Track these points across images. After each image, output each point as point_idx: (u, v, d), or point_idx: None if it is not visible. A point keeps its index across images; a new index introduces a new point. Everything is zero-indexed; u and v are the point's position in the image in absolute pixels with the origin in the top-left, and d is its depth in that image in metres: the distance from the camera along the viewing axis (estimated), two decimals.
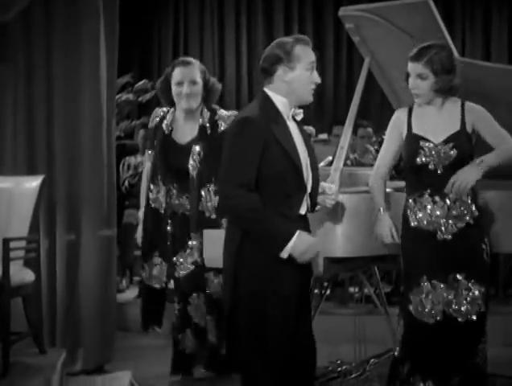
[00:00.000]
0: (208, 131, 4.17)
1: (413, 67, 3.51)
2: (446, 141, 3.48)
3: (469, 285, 3.41)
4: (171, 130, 4.23)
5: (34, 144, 4.99)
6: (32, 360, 4.55)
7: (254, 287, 3.13)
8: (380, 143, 7.19)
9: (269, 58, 3.26)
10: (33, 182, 4.70)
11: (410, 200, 3.54)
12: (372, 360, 4.76)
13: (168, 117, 4.25)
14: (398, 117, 3.67)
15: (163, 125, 4.23)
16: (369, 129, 7.26)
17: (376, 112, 9.12)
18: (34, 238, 4.70)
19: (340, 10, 4.85)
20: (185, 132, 4.20)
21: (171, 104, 4.26)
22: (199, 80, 4.19)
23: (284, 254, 3.10)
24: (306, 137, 3.34)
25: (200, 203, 4.22)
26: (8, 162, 5.02)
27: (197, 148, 4.13)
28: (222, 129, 4.16)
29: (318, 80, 3.30)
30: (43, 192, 4.73)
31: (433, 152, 3.47)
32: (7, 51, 5.00)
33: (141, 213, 4.42)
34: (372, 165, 6.70)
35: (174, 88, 4.17)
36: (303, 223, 3.25)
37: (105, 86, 4.92)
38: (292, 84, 3.22)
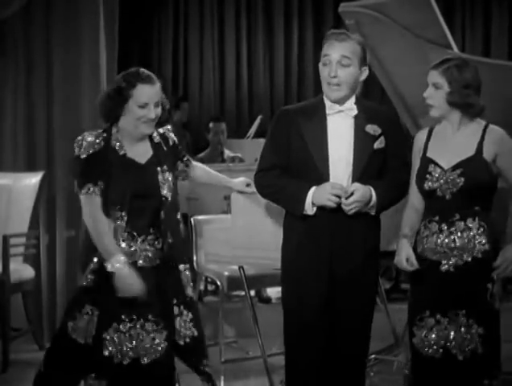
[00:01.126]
0: (164, 148, 3.40)
1: (430, 75, 3.26)
2: (455, 167, 3.23)
3: (469, 322, 3.22)
4: (125, 151, 3.32)
5: (33, 140, 5.00)
6: (32, 356, 4.56)
7: (284, 265, 3.39)
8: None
9: None
10: (33, 179, 4.71)
11: (421, 225, 3.33)
12: (372, 356, 4.76)
13: (115, 137, 3.28)
14: (418, 138, 3.39)
15: (115, 147, 3.27)
16: None
17: None
18: (34, 234, 4.71)
19: (340, 6, 4.85)
20: (139, 150, 3.33)
21: (111, 122, 3.31)
22: (160, 100, 3.36)
23: (308, 210, 3.23)
24: (361, 136, 3.27)
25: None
26: (8, 159, 5.03)
27: (164, 167, 3.35)
28: (173, 142, 3.46)
29: (330, 74, 3.24)
30: (43, 188, 4.74)
31: (440, 178, 3.24)
32: (7, 46, 5.00)
33: (122, 257, 3.21)
34: None
35: (136, 110, 3.23)
36: (321, 218, 3.25)
37: (104, 82, 4.91)
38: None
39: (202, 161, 6.92)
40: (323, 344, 3.34)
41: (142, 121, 3.24)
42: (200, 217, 5.29)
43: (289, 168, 3.32)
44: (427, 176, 3.27)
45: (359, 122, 3.29)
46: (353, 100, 3.32)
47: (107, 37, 4.93)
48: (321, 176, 3.23)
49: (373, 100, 9.04)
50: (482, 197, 3.26)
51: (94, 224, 3.19)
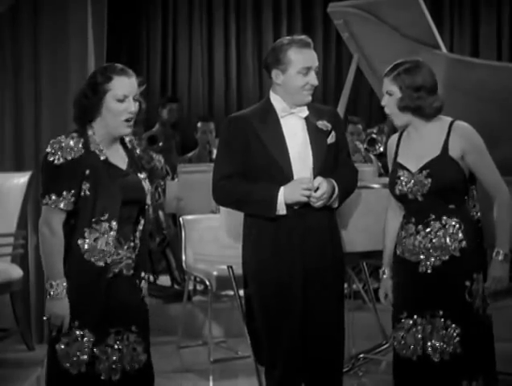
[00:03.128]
0: (135, 154, 3.19)
1: (384, 83, 3.26)
2: (422, 169, 3.20)
3: (447, 323, 3.19)
4: (106, 155, 3.05)
5: (21, 139, 4.98)
6: (20, 357, 4.55)
7: (254, 269, 3.44)
8: (369, 141, 7.20)
9: (265, 60, 3.43)
10: (21, 179, 4.70)
11: (400, 227, 3.32)
12: (360, 356, 4.77)
13: (93, 140, 3.02)
14: (390, 144, 3.41)
15: (96, 151, 3.00)
16: (359, 126, 7.27)
17: (365, 109, 9.13)
18: (21, 234, 4.69)
19: (328, 5, 4.86)
20: (116, 155, 3.09)
21: (84, 124, 3.03)
22: (138, 95, 3.10)
23: (280, 210, 3.30)
24: (315, 133, 3.37)
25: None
26: None
27: (143, 174, 3.14)
28: (139, 152, 3.26)
29: (313, 82, 3.35)
30: (31, 188, 4.72)
31: (410, 181, 3.22)
32: None
33: (64, 284, 2.94)
34: (362, 161, 6.74)
35: (115, 105, 2.98)
36: (291, 217, 3.31)
37: None
38: (285, 87, 3.38)
39: (190, 160, 6.99)
40: (299, 344, 3.37)
41: (122, 117, 2.99)
42: (188, 217, 5.29)
43: (248, 174, 3.37)
44: (397, 180, 3.26)
45: (309, 121, 3.40)
46: None
47: (95, 37, 4.92)
48: (285, 176, 3.32)
49: (363, 99, 9.07)
50: (455, 195, 3.23)
51: (53, 239, 2.93)
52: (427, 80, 3.22)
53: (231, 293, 5.06)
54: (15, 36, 4.96)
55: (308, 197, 3.29)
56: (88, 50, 4.89)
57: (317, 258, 3.36)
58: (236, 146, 3.38)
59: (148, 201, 3.12)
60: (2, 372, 4.28)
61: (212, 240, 4.90)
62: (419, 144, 3.27)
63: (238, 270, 4.62)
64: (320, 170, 3.34)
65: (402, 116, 3.24)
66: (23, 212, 4.66)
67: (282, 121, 3.39)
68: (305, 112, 3.40)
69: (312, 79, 3.35)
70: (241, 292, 4.86)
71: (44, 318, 2.99)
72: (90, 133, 3.02)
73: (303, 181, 3.29)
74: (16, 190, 4.64)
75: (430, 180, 3.18)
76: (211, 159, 6.85)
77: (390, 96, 3.23)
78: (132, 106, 2.99)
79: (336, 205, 3.39)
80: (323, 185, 3.29)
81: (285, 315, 3.35)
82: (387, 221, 3.41)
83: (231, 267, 4.47)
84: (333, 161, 3.41)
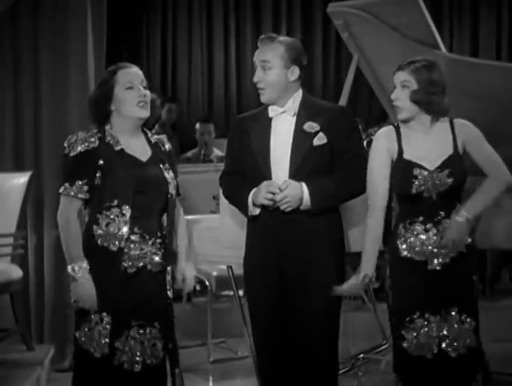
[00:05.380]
0: (162, 148, 3.29)
1: (398, 76, 3.29)
2: (441, 168, 3.25)
3: (462, 318, 3.25)
4: (122, 146, 3.17)
5: (21, 140, 4.98)
6: (20, 357, 4.54)
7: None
8: (368, 143, 7.20)
9: None
10: (21, 179, 4.69)
11: (401, 228, 3.30)
12: (360, 356, 4.77)
13: (109, 134, 3.16)
14: (386, 137, 3.35)
15: (110, 142, 3.14)
16: (359, 126, 7.27)
17: (364, 109, 9.13)
18: (21, 234, 4.69)
19: (328, 6, 4.87)
20: (137, 148, 3.21)
21: (101, 123, 3.19)
22: (146, 82, 3.24)
23: (252, 211, 3.35)
24: (298, 134, 3.33)
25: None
26: None
27: (166, 165, 3.23)
28: (169, 149, 3.33)
29: (254, 78, 3.43)
30: (31, 188, 4.72)
31: (428, 180, 3.24)
32: None
33: (84, 266, 3.09)
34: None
35: (122, 94, 3.14)
36: (266, 218, 3.33)
37: (92, 82, 4.90)
38: None
39: (189, 160, 7.00)
40: (276, 345, 3.38)
41: (134, 102, 3.14)
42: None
43: (242, 173, 3.45)
44: (414, 180, 3.26)
45: (299, 121, 3.36)
46: (294, 99, 3.39)
47: (95, 37, 4.92)
48: (264, 176, 3.33)
49: (362, 99, 9.06)
50: (461, 193, 3.32)
51: (66, 225, 3.11)
52: (442, 79, 3.30)
53: (231, 293, 5.06)
54: (15, 36, 4.96)
55: (272, 200, 3.28)
56: (88, 50, 4.89)
57: (295, 261, 3.32)
58: (233, 147, 3.50)
59: (171, 190, 3.22)
60: (2, 372, 4.27)
61: (212, 240, 4.89)
62: (429, 142, 3.31)
63: (238, 270, 4.62)
64: (294, 173, 3.30)
65: (411, 109, 3.28)
66: (23, 212, 4.65)
67: (273, 122, 3.40)
68: (292, 110, 3.37)
69: (256, 75, 3.41)
70: (241, 292, 4.88)
71: (72, 302, 3.09)
72: (107, 128, 3.18)
73: (269, 184, 3.29)
74: (16, 190, 4.63)
75: (452, 179, 3.25)
76: (209, 160, 6.87)
77: (404, 87, 3.27)
78: (141, 91, 3.16)
79: (311, 209, 3.30)
80: (288, 188, 3.26)
81: (264, 316, 3.39)
82: (372, 230, 3.32)
83: (231, 267, 4.47)
84: (323, 163, 3.34)
